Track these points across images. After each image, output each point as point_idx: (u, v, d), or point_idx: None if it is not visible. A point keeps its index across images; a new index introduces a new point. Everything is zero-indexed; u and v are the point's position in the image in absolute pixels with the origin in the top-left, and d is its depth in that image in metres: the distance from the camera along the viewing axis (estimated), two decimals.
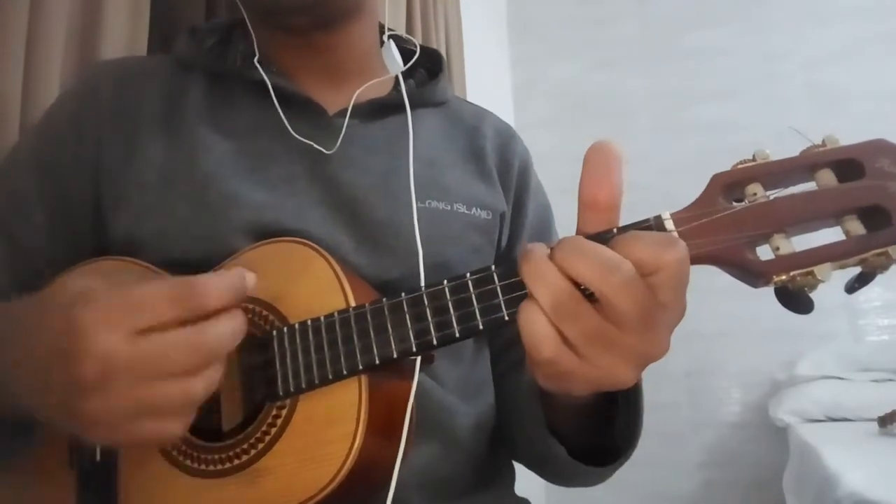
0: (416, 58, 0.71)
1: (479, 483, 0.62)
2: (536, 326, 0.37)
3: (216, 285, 0.40)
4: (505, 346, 0.68)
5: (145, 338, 0.38)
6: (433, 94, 0.71)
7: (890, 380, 2.00)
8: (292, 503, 0.44)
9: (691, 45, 2.53)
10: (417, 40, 0.76)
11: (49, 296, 0.43)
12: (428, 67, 0.75)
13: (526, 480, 0.70)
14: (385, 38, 0.71)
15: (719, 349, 2.35)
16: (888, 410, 1.66)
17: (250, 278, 0.43)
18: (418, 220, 0.57)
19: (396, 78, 0.69)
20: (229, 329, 0.41)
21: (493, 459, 0.64)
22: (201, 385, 0.40)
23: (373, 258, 0.58)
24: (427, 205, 0.60)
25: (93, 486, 0.49)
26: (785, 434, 2.00)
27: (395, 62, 0.69)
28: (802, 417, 2.00)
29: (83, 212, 0.60)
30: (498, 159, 0.71)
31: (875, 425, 1.69)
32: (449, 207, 0.62)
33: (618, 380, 0.39)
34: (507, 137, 0.74)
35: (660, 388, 2.40)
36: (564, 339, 0.37)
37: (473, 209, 0.64)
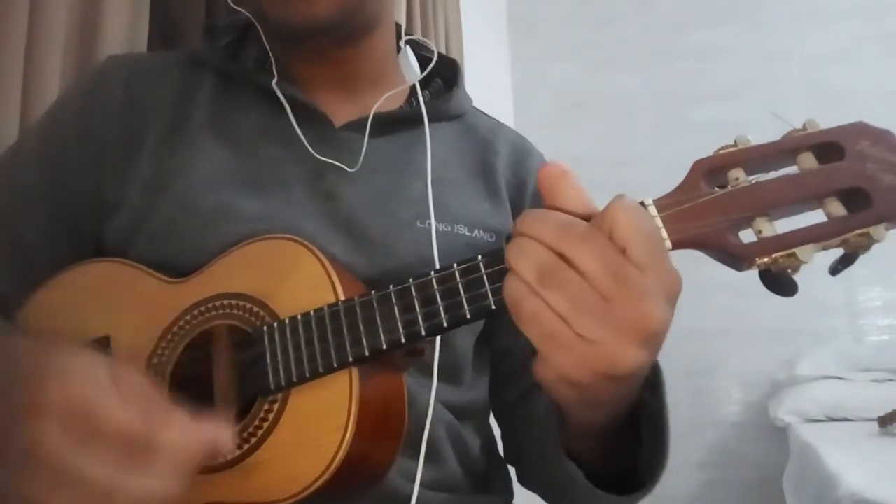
0: (432, 66, 0.68)
1: (476, 491, 0.62)
2: (525, 303, 0.37)
3: (178, 442, 0.37)
4: (516, 371, 0.65)
5: (82, 442, 0.34)
6: (448, 107, 0.68)
7: (890, 380, 2.00)
8: (286, 495, 0.44)
9: (691, 45, 2.53)
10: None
11: (28, 351, 0.40)
12: (445, 77, 0.72)
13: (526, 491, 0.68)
14: (402, 44, 0.69)
15: (719, 348, 2.35)
16: (888, 410, 1.66)
17: (224, 444, 0.39)
18: (416, 240, 0.57)
19: (411, 90, 0.67)
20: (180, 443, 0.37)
21: (490, 471, 0.64)
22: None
23: (365, 275, 0.56)
24: (426, 225, 0.58)
25: None
26: (785, 434, 2.00)
27: (412, 71, 0.67)
28: (802, 417, 2.00)
29: (85, 209, 0.59)
30: (511, 176, 0.68)
31: (875, 425, 1.69)
32: (449, 229, 0.60)
33: (623, 359, 0.36)
34: (522, 154, 0.70)
35: None
36: (553, 310, 0.36)
37: (475, 231, 0.61)
